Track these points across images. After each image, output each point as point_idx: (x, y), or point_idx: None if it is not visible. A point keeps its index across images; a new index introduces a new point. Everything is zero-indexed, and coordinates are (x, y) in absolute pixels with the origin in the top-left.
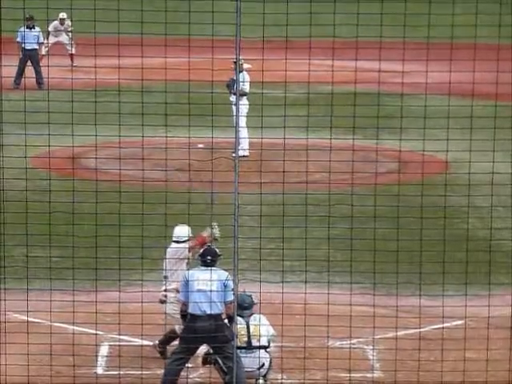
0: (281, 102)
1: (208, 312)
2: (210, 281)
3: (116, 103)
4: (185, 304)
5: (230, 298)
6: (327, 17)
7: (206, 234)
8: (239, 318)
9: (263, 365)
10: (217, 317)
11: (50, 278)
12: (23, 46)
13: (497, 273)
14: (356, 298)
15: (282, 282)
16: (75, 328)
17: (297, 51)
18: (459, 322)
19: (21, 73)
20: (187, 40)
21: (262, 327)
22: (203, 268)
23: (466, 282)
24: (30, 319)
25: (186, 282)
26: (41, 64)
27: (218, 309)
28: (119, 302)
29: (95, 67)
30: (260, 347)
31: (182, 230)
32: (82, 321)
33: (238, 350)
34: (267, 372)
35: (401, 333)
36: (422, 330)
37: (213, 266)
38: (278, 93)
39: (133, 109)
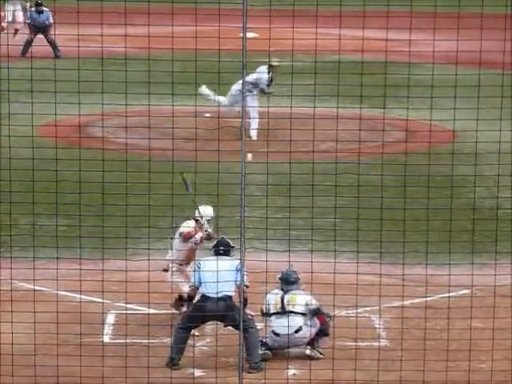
0: (288, 71)
1: (220, 294)
2: (224, 260)
3: (123, 72)
4: (196, 288)
5: (244, 282)
6: None
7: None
8: (279, 291)
9: (300, 328)
10: (227, 299)
11: (57, 247)
12: (33, 24)
13: (503, 241)
14: (362, 267)
15: (289, 251)
16: (82, 297)
17: (304, 20)
18: (465, 291)
19: (28, 45)
20: (194, 8)
21: (299, 296)
22: (216, 256)
23: (472, 251)
24: (36, 288)
25: (199, 265)
26: (51, 33)
27: (229, 291)
28: (126, 271)
29: (102, 35)
30: (292, 312)
31: (205, 210)
32: (89, 289)
33: (273, 316)
34: (315, 342)
35: (407, 302)
36: (428, 299)
37: (226, 256)
38: (285, 61)
39: (139, 78)
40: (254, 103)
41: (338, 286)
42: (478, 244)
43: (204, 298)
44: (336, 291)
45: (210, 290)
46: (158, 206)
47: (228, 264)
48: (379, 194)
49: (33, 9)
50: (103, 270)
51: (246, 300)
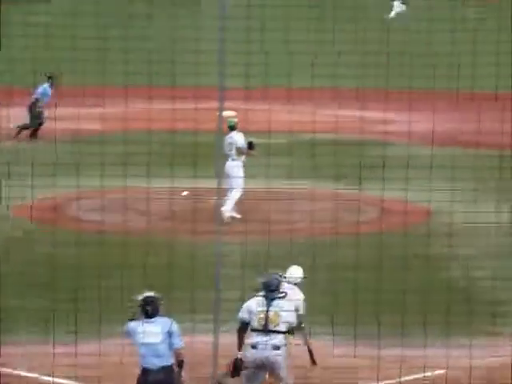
0: (265, 151)
1: (159, 365)
2: (154, 324)
3: (99, 153)
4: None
5: (178, 344)
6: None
7: None
8: (262, 299)
9: (278, 348)
10: (168, 368)
11: (29, 330)
12: (40, 101)
13: (478, 322)
14: (337, 348)
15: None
16: (54, 380)
17: (278, 100)
18: (441, 372)
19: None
20: (171, 89)
21: (283, 312)
22: (145, 320)
23: (447, 333)
24: (4, 370)
25: (128, 334)
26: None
27: (168, 360)
28: (99, 355)
29: (78, 117)
30: (275, 331)
31: (296, 271)
32: (62, 373)
33: (255, 332)
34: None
35: (382, 383)
36: (402, 379)
37: (155, 315)
38: (261, 141)
39: (116, 158)
40: (239, 172)
41: (312, 368)
42: (454, 325)
43: (144, 370)
44: (311, 373)
45: (147, 362)
46: (133, 287)
47: (160, 328)
48: (354, 273)
49: (46, 84)
50: (76, 353)
51: (182, 362)
